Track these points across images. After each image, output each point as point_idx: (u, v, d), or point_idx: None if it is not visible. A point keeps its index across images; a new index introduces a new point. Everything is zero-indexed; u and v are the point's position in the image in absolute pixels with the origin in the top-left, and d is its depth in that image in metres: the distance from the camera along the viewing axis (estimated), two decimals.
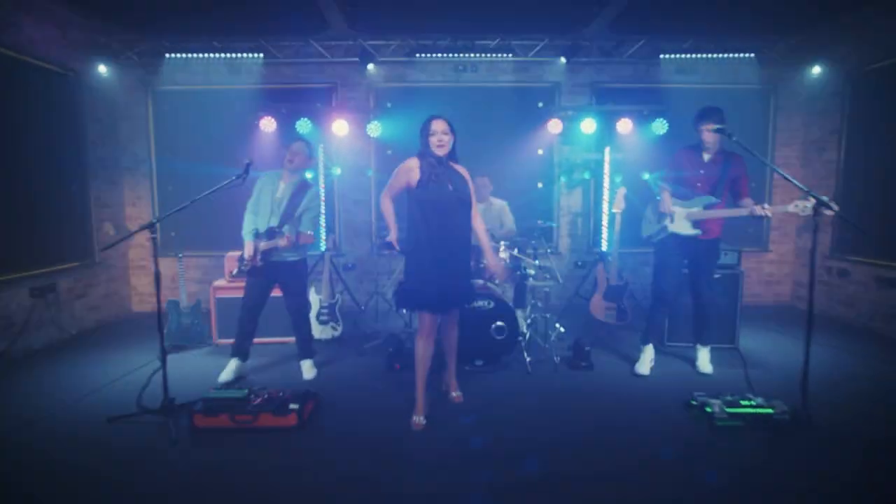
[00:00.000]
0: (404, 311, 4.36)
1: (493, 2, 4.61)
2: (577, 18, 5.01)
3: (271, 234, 3.43)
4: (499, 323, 3.74)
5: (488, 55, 5.59)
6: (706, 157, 3.51)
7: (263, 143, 5.31)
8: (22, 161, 4.35)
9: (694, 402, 3.06)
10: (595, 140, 5.73)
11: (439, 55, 5.60)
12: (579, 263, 5.96)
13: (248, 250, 3.46)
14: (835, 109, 5.34)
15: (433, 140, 2.81)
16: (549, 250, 5.36)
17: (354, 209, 5.98)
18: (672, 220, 3.55)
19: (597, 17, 4.87)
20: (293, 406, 2.87)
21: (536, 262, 4.25)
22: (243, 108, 5.45)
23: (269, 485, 2.36)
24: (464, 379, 3.46)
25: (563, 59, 5.53)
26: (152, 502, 2.27)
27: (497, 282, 4.00)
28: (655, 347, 3.88)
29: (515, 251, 4.20)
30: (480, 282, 3.89)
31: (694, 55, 5.57)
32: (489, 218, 4.63)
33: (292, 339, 3.88)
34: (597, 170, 5.79)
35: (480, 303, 3.72)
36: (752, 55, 5.55)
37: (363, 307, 5.53)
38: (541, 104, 5.85)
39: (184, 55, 5.44)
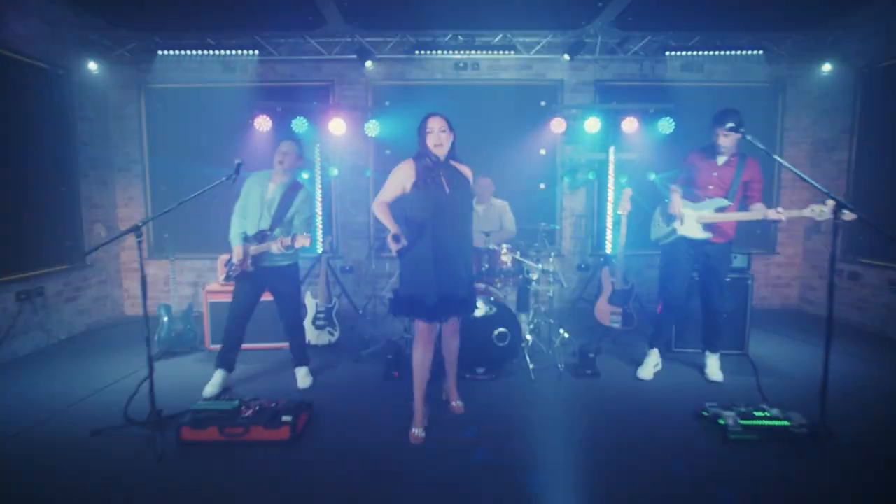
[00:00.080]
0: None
1: None
2: (581, 14, 4.88)
3: (262, 237, 3.29)
4: (501, 329, 3.60)
5: (489, 52, 5.45)
6: (720, 160, 3.38)
7: (259, 143, 5.19)
8: (9, 160, 4.22)
9: (705, 413, 2.94)
10: (599, 139, 5.57)
11: (439, 52, 5.46)
12: (583, 266, 5.83)
13: (236, 254, 3.30)
14: (846, 108, 5.20)
15: (430, 139, 2.67)
16: (552, 253, 5.23)
17: (352, 210, 5.84)
18: (681, 223, 3.42)
19: (601, 12, 4.75)
20: (286, 418, 2.74)
21: (539, 265, 4.13)
22: (238, 106, 5.34)
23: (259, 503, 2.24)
24: (465, 388, 3.33)
25: (566, 57, 5.38)
26: None
27: (499, 285, 3.87)
28: (661, 353, 3.77)
29: (518, 254, 4.06)
30: (482, 286, 3.76)
31: (700, 52, 5.40)
32: (489, 219, 4.50)
33: (286, 344, 3.75)
34: (601, 170, 5.62)
35: (482, 309, 3.58)
36: (761, 52, 5.39)
37: (361, 311, 5.40)
38: (543, 103, 5.69)
39: (177, 52, 5.29)
